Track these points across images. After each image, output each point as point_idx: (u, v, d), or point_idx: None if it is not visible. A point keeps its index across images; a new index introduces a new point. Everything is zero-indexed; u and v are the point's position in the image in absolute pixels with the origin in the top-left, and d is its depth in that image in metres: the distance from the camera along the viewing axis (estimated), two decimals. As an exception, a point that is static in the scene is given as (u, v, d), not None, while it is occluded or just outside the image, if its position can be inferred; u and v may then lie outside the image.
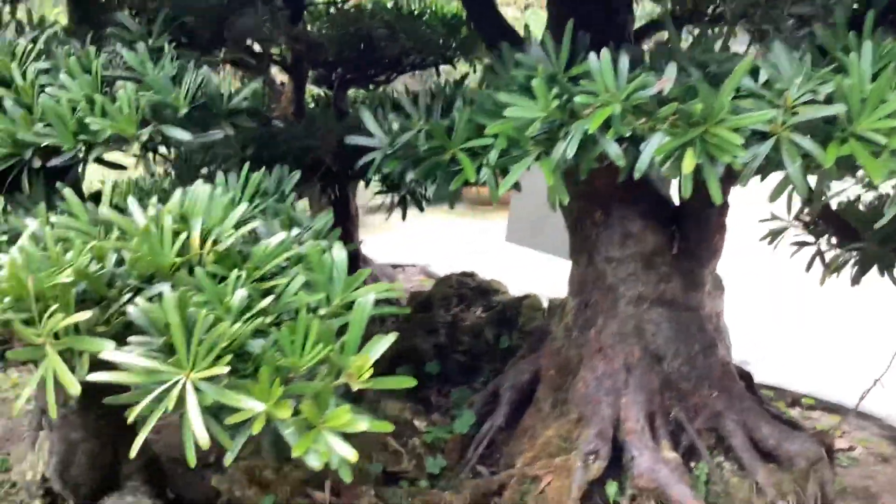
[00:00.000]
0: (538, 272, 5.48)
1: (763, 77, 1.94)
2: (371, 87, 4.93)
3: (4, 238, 2.04)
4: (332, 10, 4.57)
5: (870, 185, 2.65)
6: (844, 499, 3.22)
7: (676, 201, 3.13)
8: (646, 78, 1.90)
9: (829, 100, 1.87)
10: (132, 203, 2.00)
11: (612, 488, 2.88)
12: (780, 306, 5.84)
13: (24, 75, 2.20)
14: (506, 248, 6.30)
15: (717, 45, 2.26)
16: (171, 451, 3.56)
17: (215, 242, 1.90)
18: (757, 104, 1.89)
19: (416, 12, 4.58)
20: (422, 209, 4.09)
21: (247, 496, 3.00)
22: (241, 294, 1.78)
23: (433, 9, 4.64)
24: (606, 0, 2.90)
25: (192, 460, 1.65)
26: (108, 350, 1.66)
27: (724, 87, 1.82)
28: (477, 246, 7.40)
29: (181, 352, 1.65)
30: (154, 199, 2.02)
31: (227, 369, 1.62)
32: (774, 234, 3.62)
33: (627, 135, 1.91)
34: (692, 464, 2.96)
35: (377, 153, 2.37)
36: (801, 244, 3.61)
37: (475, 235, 8.00)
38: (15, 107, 2.15)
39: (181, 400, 1.62)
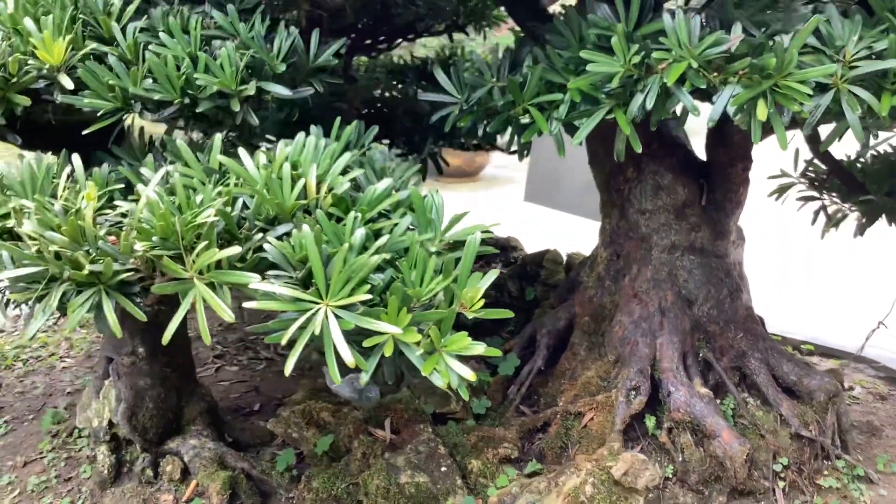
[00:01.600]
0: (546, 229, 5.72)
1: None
2: (374, 54, 5.05)
3: (120, 186, 2.17)
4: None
5: None
6: (850, 432, 3.46)
7: (703, 156, 3.34)
8: (720, 36, 2.08)
9: (881, 55, 2.07)
10: (243, 153, 2.15)
11: (650, 422, 3.10)
12: (781, 259, 6.15)
13: (123, 34, 2.31)
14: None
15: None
16: (225, 401, 3.73)
17: (330, 188, 2.05)
18: (818, 59, 2.08)
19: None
20: (441, 172, 4.27)
21: (304, 437, 3.16)
22: (360, 233, 1.93)
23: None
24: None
25: (336, 378, 1.81)
26: (254, 282, 1.81)
27: (793, 42, 2.01)
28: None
29: (319, 283, 1.81)
30: (262, 150, 2.17)
31: (367, 297, 1.79)
32: (782, 190, 3.86)
33: (703, 87, 2.09)
34: (719, 400, 3.18)
35: (452, 108, 2.53)
36: (807, 199, 3.85)
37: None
38: (119, 63, 2.26)
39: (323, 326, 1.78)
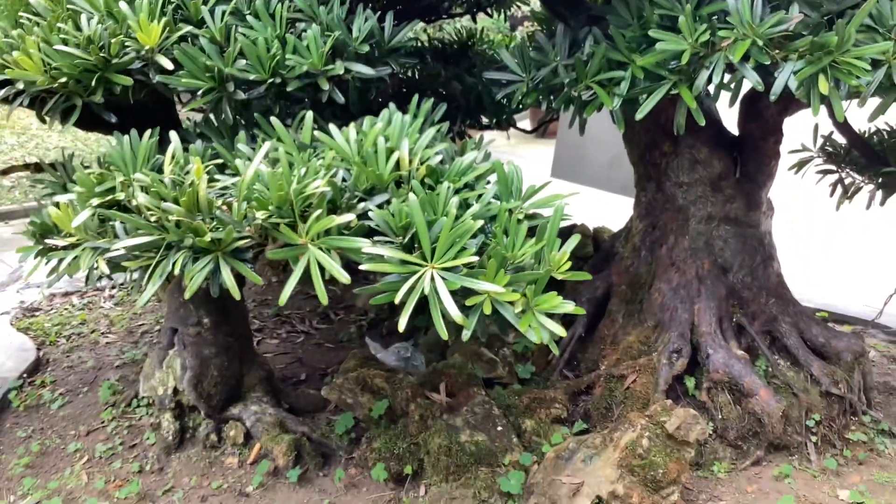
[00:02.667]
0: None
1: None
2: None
3: (218, 161, 2.29)
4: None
5: None
6: (871, 394, 3.63)
7: (735, 131, 3.48)
8: (781, 15, 2.22)
9: (929, 33, 2.22)
10: (334, 129, 2.27)
11: (689, 383, 3.26)
12: (795, 230, 6.36)
13: (212, 17, 2.42)
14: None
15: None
16: (287, 371, 3.86)
17: (422, 160, 2.18)
18: (871, 38, 2.22)
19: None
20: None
21: (359, 402, 3.29)
22: (454, 201, 2.06)
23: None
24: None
25: (444, 334, 1.94)
26: (366, 246, 1.93)
27: (853, 21, 2.15)
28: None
29: (425, 247, 1.94)
30: (352, 126, 2.29)
31: (474, 259, 1.92)
32: (801, 164, 4.01)
33: (766, 63, 2.23)
34: (753, 363, 3.34)
35: (518, 86, 2.66)
36: (825, 172, 4.01)
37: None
38: (211, 45, 2.37)
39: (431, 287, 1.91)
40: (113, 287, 5.18)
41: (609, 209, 5.19)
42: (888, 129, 3.74)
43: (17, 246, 8.18)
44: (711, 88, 2.40)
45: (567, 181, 5.73)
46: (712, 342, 3.24)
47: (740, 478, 3.06)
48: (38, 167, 3.65)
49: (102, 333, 4.49)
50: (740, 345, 3.35)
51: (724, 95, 2.66)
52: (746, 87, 2.41)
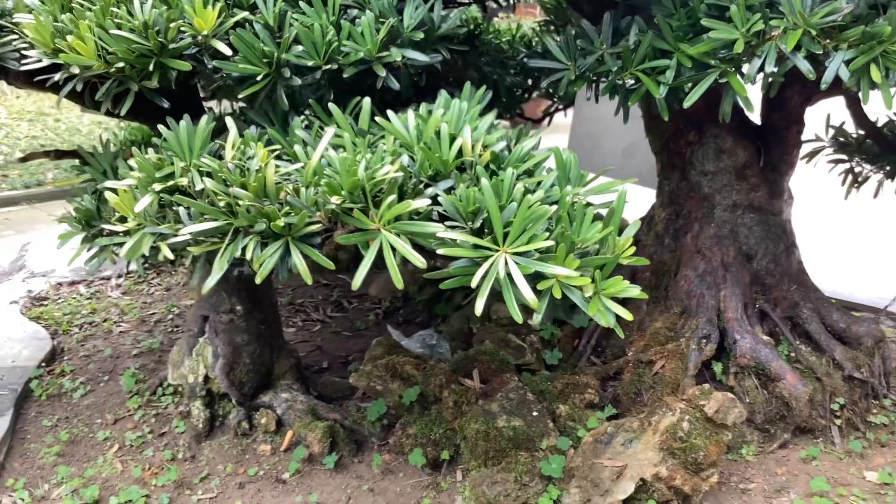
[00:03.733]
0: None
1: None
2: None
3: (272, 148, 2.28)
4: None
5: None
6: (891, 378, 3.70)
7: (758, 121, 3.53)
8: (834, 5, 2.26)
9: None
10: (392, 116, 2.27)
11: (717, 368, 3.31)
12: (805, 219, 6.46)
13: (265, 3, 2.41)
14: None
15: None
16: (308, 359, 3.85)
17: (485, 146, 2.19)
18: (919, 27, 2.27)
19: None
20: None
21: (389, 389, 3.29)
22: (519, 187, 2.08)
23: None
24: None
25: (518, 318, 1.95)
26: (440, 231, 1.94)
27: (905, 11, 2.19)
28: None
29: (498, 232, 1.96)
30: (410, 112, 2.29)
31: (548, 244, 1.94)
32: (813, 154, 4.08)
33: (818, 52, 2.26)
34: (776, 348, 3.40)
35: (564, 73, 2.68)
36: (836, 161, 4.07)
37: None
38: (265, 31, 2.37)
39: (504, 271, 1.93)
40: (119, 276, 5.14)
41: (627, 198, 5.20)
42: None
43: None
44: (759, 77, 2.44)
45: (582, 170, 5.72)
46: (739, 328, 3.28)
47: (769, 460, 3.12)
48: (58, 154, 3.61)
49: (115, 322, 4.45)
50: (763, 330, 3.40)
51: (775, 86, 2.71)
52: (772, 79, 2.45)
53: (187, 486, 3.00)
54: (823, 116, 4.02)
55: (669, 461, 2.68)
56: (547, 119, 5.97)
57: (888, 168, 3.82)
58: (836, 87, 2.44)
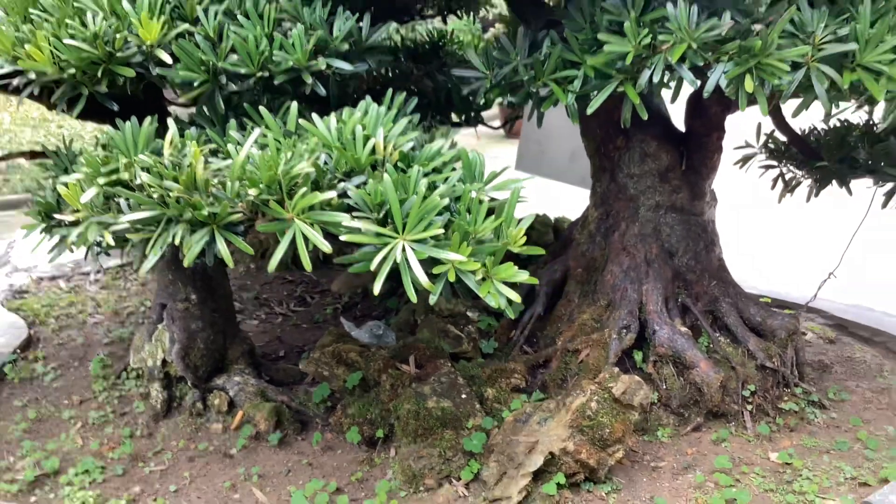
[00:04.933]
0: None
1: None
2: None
3: (208, 146, 2.51)
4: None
5: (870, 103, 3.25)
6: (805, 367, 3.92)
7: (682, 128, 3.76)
8: (714, 22, 2.49)
9: (842, 40, 2.49)
10: (316, 118, 2.50)
11: (637, 356, 3.53)
12: (741, 221, 6.75)
13: (206, 15, 2.65)
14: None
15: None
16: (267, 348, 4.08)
17: (395, 146, 2.42)
18: (793, 42, 2.50)
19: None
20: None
21: (335, 374, 3.52)
22: (424, 182, 2.30)
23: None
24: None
25: (413, 297, 2.18)
26: (346, 220, 2.17)
27: (774, 28, 2.42)
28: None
29: (397, 221, 2.18)
30: (332, 116, 2.52)
31: (440, 231, 2.16)
32: (745, 160, 4.30)
33: (699, 65, 2.50)
34: (695, 339, 3.62)
35: (482, 83, 2.91)
36: (767, 167, 4.30)
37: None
38: (205, 41, 2.60)
39: (400, 255, 2.15)
40: (98, 272, 5.37)
41: (569, 200, 5.47)
42: (824, 128, 4.03)
43: None
44: (656, 86, 2.67)
45: (530, 174, 5.96)
46: (658, 319, 3.51)
47: (682, 442, 3.34)
48: (33, 154, 3.85)
49: (90, 314, 4.68)
50: (685, 323, 3.63)
51: (677, 94, 2.94)
52: (691, 88, 2.68)
53: (141, 459, 3.23)
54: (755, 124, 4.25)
55: (577, 437, 2.91)
56: (508, 125, 6.22)
57: (815, 174, 4.04)
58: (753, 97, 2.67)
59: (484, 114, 4.68)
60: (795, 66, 2.48)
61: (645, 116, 2.67)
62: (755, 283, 5.02)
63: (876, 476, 3.09)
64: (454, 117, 4.72)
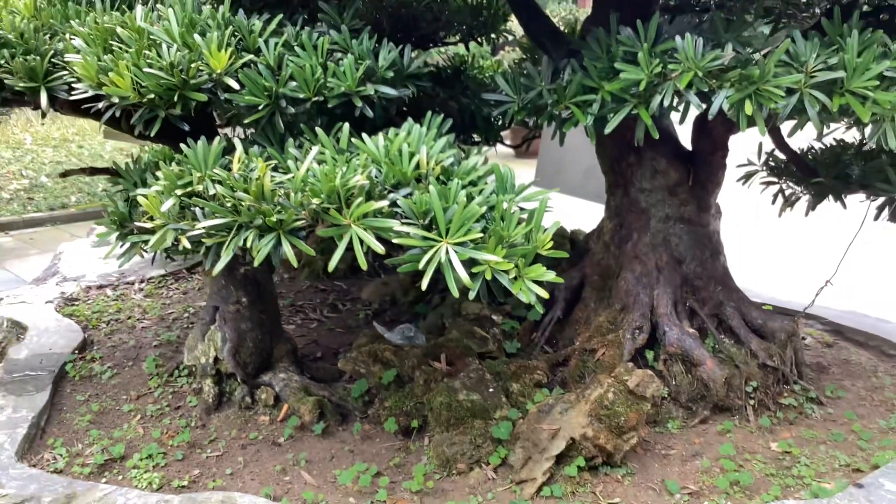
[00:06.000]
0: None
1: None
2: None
3: (270, 162, 2.80)
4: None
5: (857, 124, 3.52)
6: (805, 371, 4.19)
7: (689, 147, 4.05)
8: (717, 53, 2.78)
9: (832, 68, 2.78)
10: (366, 137, 2.80)
11: (649, 355, 3.81)
12: (747, 234, 7.04)
13: (266, 47, 2.95)
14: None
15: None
16: (305, 350, 4.36)
17: (437, 162, 2.71)
18: (787, 70, 2.79)
19: (444, -3, 5.28)
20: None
21: (371, 371, 3.80)
22: (462, 193, 2.59)
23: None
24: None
25: (455, 293, 2.46)
26: (397, 226, 2.46)
27: (771, 58, 2.72)
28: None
29: (441, 227, 2.47)
30: (380, 135, 2.82)
31: (480, 235, 2.45)
32: (748, 177, 4.59)
33: (705, 90, 2.79)
34: (702, 340, 3.89)
35: (510, 105, 3.21)
36: (768, 184, 4.58)
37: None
38: (266, 70, 2.90)
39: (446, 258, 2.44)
40: (142, 281, 5.67)
41: (584, 214, 5.76)
42: (821, 147, 4.32)
43: (19, 255, 8.73)
44: (667, 110, 2.96)
45: (548, 189, 6.26)
46: (668, 322, 3.79)
47: (690, 433, 3.60)
48: (93, 171, 4.16)
49: (138, 319, 4.98)
50: (692, 325, 3.90)
51: (685, 116, 3.23)
52: (697, 111, 2.97)
53: (198, 446, 3.51)
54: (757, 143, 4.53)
55: (596, 424, 3.18)
56: (526, 144, 6.52)
57: (812, 189, 4.32)
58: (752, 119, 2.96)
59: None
60: (790, 92, 2.76)
61: (656, 136, 2.95)
62: (759, 290, 5.28)
63: (868, 463, 3.35)
64: (476, 137, 5.02)
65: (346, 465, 3.35)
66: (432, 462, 3.33)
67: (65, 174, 4.17)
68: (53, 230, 9.51)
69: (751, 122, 2.81)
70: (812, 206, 4.31)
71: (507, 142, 6.16)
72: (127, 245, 3.13)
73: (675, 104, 2.87)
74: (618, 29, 3.10)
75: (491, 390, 3.55)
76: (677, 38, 2.85)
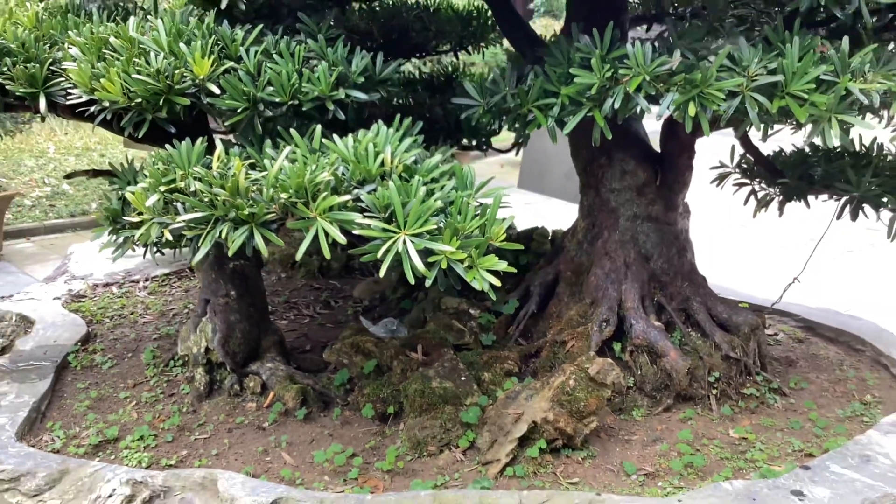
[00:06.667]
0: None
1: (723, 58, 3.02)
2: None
3: (248, 161, 3.00)
4: (374, 5, 5.46)
5: (797, 127, 3.69)
6: (772, 364, 4.34)
7: (658, 149, 4.22)
8: (664, 58, 2.96)
9: (773, 72, 2.95)
10: (336, 138, 2.99)
11: (616, 347, 3.97)
12: (717, 234, 7.22)
13: (247, 55, 3.16)
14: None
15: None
16: (295, 343, 4.56)
17: (400, 160, 2.90)
18: (730, 74, 2.95)
19: (435, 7, 5.49)
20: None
21: (353, 362, 3.98)
22: (423, 189, 2.78)
23: (448, 4, 5.59)
24: (610, 5, 3.97)
25: (411, 279, 2.64)
26: (358, 219, 2.65)
27: (714, 63, 2.89)
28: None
29: (400, 220, 2.66)
30: (350, 136, 3.01)
31: (434, 227, 2.63)
32: (721, 178, 4.75)
33: (652, 93, 2.96)
34: (669, 334, 4.05)
35: (476, 109, 3.39)
36: (741, 185, 4.73)
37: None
38: (246, 76, 3.11)
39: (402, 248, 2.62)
40: (146, 280, 5.89)
41: (566, 215, 5.93)
42: (793, 150, 4.48)
43: (39, 260, 9.02)
44: (620, 111, 3.13)
45: (531, 191, 6.50)
46: (635, 315, 3.95)
47: (653, 420, 3.76)
48: (96, 172, 4.38)
49: (140, 315, 5.19)
50: (660, 319, 4.06)
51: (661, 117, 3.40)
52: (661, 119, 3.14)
53: (188, 430, 3.71)
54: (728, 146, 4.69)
55: (556, 409, 3.35)
56: (516, 149, 6.69)
57: (779, 190, 4.48)
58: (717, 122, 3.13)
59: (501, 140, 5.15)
60: (733, 95, 2.93)
61: (609, 136, 3.11)
62: (737, 288, 5.44)
63: (821, 449, 3.50)
64: (465, 142, 5.20)
65: (324, 447, 3.53)
66: (405, 445, 3.51)
67: (69, 176, 4.39)
68: (74, 236, 9.76)
69: (696, 123, 2.98)
70: (779, 207, 4.47)
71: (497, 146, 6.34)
72: (119, 240, 3.34)
73: (629, 106, 3.04)
74: (578, 37, 3.28)
75: (463, 379, 3.73)
76: (628, 45, 3.03)
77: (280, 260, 6.00)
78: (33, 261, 8.64)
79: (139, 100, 3.02)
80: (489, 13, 5.11)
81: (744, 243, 7.90)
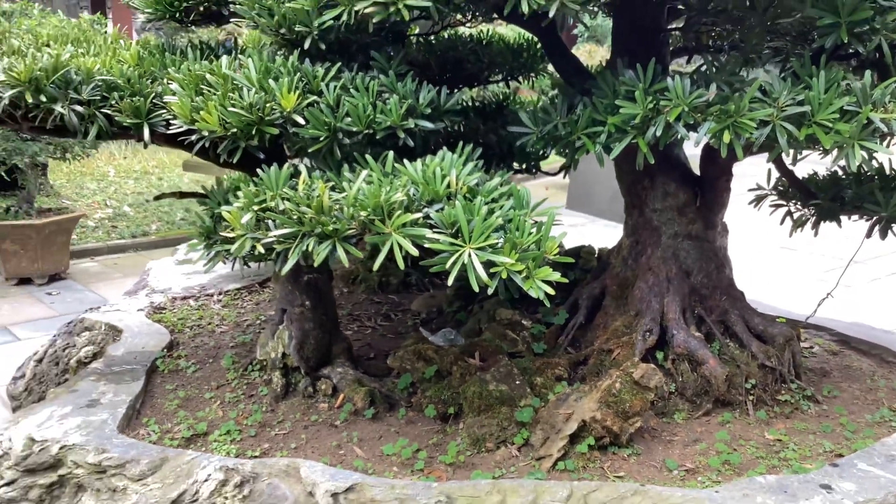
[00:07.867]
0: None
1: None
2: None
3: (329, 183, 3.35)
4: (431, 39, 5.80)
5: (824, 152, 3.93)
6: (806, 374, 4.55)
7: (697, 172, 4.49)
8: (701, 91, 3.25)
9: (801, 103, 3.22)
10: (407, 163, 3.33)
11: (659, 355, 4.23)
12: (752, 252, 7.42)
13: (328, 89, 3.51)
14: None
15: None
16: (359, 352, 4.89)
17: (464, 182, 3.22)
18: (762, 105, 3.23)
19: (488, 40, 5.82)
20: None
21: (415, 367, 4.29)
22: (485, 208, 3.09)
23: (500, 37, 5.91)
24: (652, 40, 4.27)
25: (475, 287, 2.95)
26: (429, 234, 2.97)
27: (746, 95, 3.17)
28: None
29: (465, 234, 2.97)
30: (419, 161, 3.34)
31: (497, 241, 2.94)
32: (758, 199, 4.99)
33: (690, 122, 3.25)
34: (708, 345, 4.29)
35: (530, 136, 3.71)
36: (777, 206, 4.97)
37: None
38: (327, 108, 3.46)
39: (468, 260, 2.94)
40: (219, 294, 6.29)
41: (610, 236, 6.20)
42: (827, 173, 4.72)
43: (103, 279, 9.54)
44: (661, 139, 3.42)
45: (579, 212, 6.77)
46: (676, 326, 4.21)
47: (693, 423, 4.01)
48: (182, 194, 4.78)
49: (216, 325, 5.57)
50: (700, 330, 4.31)
51: (694, 148, 3.68)
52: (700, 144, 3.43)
53: (268, 426, 4.05)
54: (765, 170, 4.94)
55: (604, 409, 3.63)
56: (564, 172, 6.98)
57: (813, 211, 4.72)
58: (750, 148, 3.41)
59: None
60: (764, 124, 3.21)
61: (652, 161, 3.41)
62: (777, 305, 5.65)
63: (850, 450, 3.72)
64: (515, 165, 5.50)
65: (392, 442, 3.84)
66: (465, 441, 3.81)
67: (158, 197, 4.79)
68: (135, 256, 10.26)
69: (731, 149, 3.26)
70: (814, 227, 4.70)
71: (545, 170, 6.64)
72: (212, 253, 3.71)
73: (669, 134, 3.33)
74: (623, 71, 3.58)
75: (517, 383, 4.02)
76: (669, 79, 3.32)
77: (342, 276, 6.35)
78: (97, 279, 9.12)
79: (234, 130, 3.39)
80: (538, 45, 5.41)
81: (786, 264, 8.10)
